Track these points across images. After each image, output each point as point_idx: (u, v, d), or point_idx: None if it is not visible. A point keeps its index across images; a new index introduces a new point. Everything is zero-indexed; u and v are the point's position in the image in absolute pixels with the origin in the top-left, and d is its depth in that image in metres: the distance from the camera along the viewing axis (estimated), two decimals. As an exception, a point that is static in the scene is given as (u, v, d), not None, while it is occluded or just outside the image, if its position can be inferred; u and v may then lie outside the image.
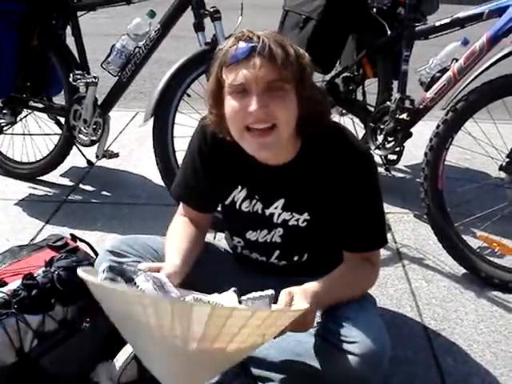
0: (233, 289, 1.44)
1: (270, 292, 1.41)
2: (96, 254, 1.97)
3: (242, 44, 1.42)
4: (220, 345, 1.22)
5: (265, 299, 1.39)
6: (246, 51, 1.40)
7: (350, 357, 1.44)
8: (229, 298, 1.42)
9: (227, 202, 1.71)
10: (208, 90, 1.53)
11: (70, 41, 3.04)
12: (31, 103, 3.19)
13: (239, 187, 1.67)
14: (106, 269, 1.42)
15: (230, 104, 1.46)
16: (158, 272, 1.48)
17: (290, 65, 1.41)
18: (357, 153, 1.57)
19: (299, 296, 1.44)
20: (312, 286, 1.49)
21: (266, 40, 1.40)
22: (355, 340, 1.44)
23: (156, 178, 2.98)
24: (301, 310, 1.35)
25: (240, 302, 1.41)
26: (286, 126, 1.46)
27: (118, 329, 1.34)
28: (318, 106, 1.52)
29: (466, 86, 2.35)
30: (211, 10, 2.61)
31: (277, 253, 1.70)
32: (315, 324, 1.53)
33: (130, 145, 3.67)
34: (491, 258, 2.40)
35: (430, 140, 2.35)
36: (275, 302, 1.42)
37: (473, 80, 2.33)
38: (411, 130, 2.78)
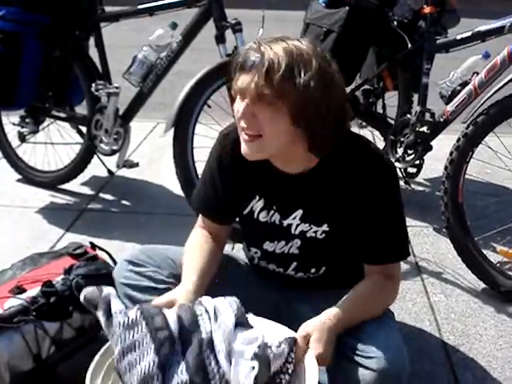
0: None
1: (291, 336, 1.40)
2: (115, 262, 1.99)
3: (249, 56, 1.44)
4: None
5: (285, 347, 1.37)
6: (249, 63, 1.43)
7: (367, 372, 1.42)
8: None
9: (245, 212, 1.71)
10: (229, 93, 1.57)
11: (93, 51, 3.07)
12: (53, 112, 3.22)
13: (257, 197, 1.67)
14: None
15: (234, 106, 1.51)
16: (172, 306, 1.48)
17: (282, 83, 1.39)
18: (380, 164, 1.56)
19: (316, 338, 1.42)
20: (329, 319, 1.47)
21: (265, 56, 1.40)
22: (373, 355, 1.42)
23: (175, 188, 2.99)
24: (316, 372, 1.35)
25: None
26: (271, 140, 1.46)
27: None
28: (322, 129, 1.47)
29: (486, 99, 2.34)
30: (232, 21, 2.63)
31: (294, 264, 1.70)
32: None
33: (150, 155, 3.69)
34: (511, 273, 2.37)
35: (451, 153, 2.34)
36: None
37: (494, 94, 2.32)
38: (431, 143, 2.77)
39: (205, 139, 2.43)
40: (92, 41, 3.06)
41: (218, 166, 1.70)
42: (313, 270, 1.69)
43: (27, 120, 3.22)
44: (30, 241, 2.72)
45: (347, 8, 2.68)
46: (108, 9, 3.04)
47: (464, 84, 2.66)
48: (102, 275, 1.86)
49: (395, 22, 2.88)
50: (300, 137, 1.48)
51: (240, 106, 1.46)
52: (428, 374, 1.93)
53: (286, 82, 1.40)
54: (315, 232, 1.62)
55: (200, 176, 1.85)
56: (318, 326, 1.45)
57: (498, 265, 2.40)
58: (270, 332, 1.40)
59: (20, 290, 1.82)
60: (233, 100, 1.53)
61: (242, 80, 1.43)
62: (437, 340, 2.12)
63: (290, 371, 1.35)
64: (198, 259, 1.66)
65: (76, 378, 1.72)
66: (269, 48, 1.42)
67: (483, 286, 2.38)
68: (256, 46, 1.44)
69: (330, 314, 1.48)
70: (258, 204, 1.67)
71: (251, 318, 1.46)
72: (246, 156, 1.53)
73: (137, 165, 3.12)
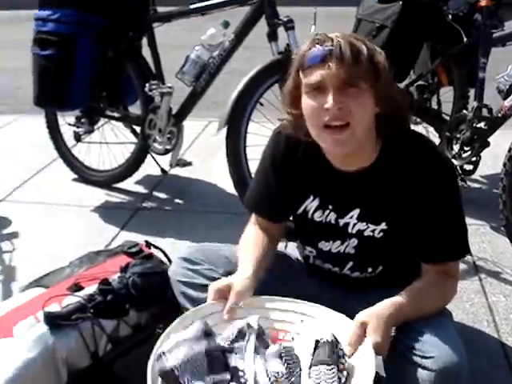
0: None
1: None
2: (169, 260, 2.00)
3: (317, 47, 1.44)
4: None
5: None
6: (321, 54, 1.42)
7: (425, 372, 1.39)
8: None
9: (299, 212, 1.70)
10: (286, 91, 1.56)
11: (146, 51, 3.10)
12: (108, 113, 3.27)
13: (311, 196, 1.66)
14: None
15: (308, 103, 1.48)
16: (229, 291, 1.50)
17: (365, 64, 1.42)
18: (439, 160, 1.55)
19: (373, 327, 1.40)
20: (387, 308, 1.45)
21: (340, 42, 1.42)
22: (432, 355, 1.39)
23: (228, 186, 3.00)
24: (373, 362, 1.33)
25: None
26: (360, 124, 1.46)
27: None
28: (397, 104, 1.52)
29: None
30: (285, 19, 2.63)
31: (350, 264, 1.68)
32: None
33: (203, 154, 3.71)
34: None
35: (509, 150, 2.28)
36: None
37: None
38: (488, 139, 2.71)
39: (257, 137, 2.43)
40: (145, 41, 3.09)
41: (272, 165, 1.70)
42: (369, 270, 1.67)
43: (82, 120, 3.28)
44: (86, 239, 2.77)
45: (401, 3, 2.64)
46: (160, 9, 3.07)
47: (522, 78, 2.59)
48: (158, 273, 1.87)
49: (450, 16, 2.82)
50: (373, 120, 1.51)
51: (323, 98, 1.44)
52: (486, 375, 1.89)
53: (370, 64, 1.43)
54: (373, 231, 1.60)
55: (253, 175, 1.85)
56: (374, 315, 1.42)
57: (559, 264, 2.34)
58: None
59: (78, 287, 1.84)
60: (293, 99, 1.53)
61: (321, 72, 1.42)
62: (495, 341, 2.06)
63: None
64: (252, 251, 1.66)
65: (132, 376, 1.75)
66: (336, 38, 1.43)
67: (544, 285, 2.32)
68: (323, 37, 1.45)
69: (387, 304, 1.46)
70: (312, 203, 1.66)
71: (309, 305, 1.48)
72: (335, 151, 1.53)
73: (190, 164, 3.14)
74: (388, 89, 1.48)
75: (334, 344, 1.36)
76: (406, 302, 1.48)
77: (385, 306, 1.45)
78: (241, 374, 1.35)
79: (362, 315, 1.43)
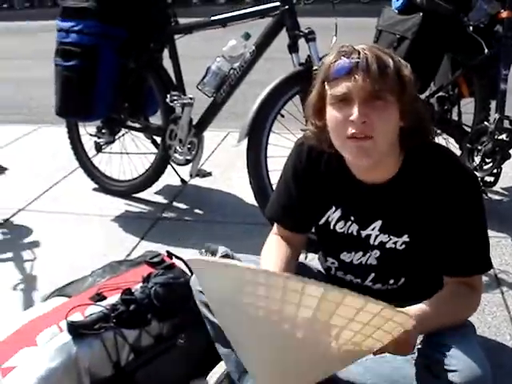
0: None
1: None
2: (191, 271, 2.00)
3: (343, 59, 1.44)
4: (324, 337, 1.20)
5: None
6: (347, 67, 1.43)
7: (449, 386, 1.40)
8: None
9: (321, 223, 1.70)
10: (310, 102, 1.56)
11: (167, 63, 3.12)
12: (129, 123, 3.30)
13: (333, 208, 1.66)
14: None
15: (333, 114, 1.48)
16: None
17: (391, 76, 1.42)
18: (463, 173, 1.54)
19: None
20: (414, 308, 1.45)
21: (367, 54, 1.42)
22: (456, 368, 1.39)
23: (248, 197, 3.01)
24: (408, 317, 1.27)
25: None
26: (383, 137, 1.46)
27: (218, 318, 1.34)
28: (420, 117, 1.51)
29: None
30: (306, 30, 2.63)
31: (372, 275, 1.67)
32: (415, 350, 1.49)
33: (222, 164, 3.72)
34: None
35: (531, 161, 2.27)
36: None
37: None
38: (510, 151, 2.69)
39: (277, 148, 2.44)
40: (166, 52, 3.12)
41: (293, 176, 1.70)
42: (391, 281, 1.67)
43: (103, 130, 3.31)
44: (106, 248, 2.78)
45: (421, 14, 2.65)
46: (182, 20, 3.09)
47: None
48: (180, 283, 1.88)
49: (471, 27, 2.82)
50: (396, 135, 1.50)
51: (348, 110, 1.44)
52: (509, 389, 1.87)
53: (396, 77, 1.43)
54: (395, 243, 1.60)
55: (274, 185, 1.86)
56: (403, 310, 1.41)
57: None
58: None
59: (100, 297, 1.85)
60: (317, 110, 1.53)
61: (347, 85, 1.43)
62: (518, 355, 2.05)
63: None
64: (275, 261, 1.67)
65: (154, 386, 1.76)
66: (363, 50, 1.44)
67: None
68: (349, 49, 1.45)
69: (413, 306, 1.46)
70: (334, 215, 1.66)
71: None
72: (360, 161, 1.51)
73: (210, 174, 3.15)
74: (413, 102, 1.48)
75: None
76: (430, 310, 1.48)
77: (412, 307, 1.45)
78: None
79: None
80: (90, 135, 3.35)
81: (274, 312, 1.20)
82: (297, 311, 1.18)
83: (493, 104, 2.85)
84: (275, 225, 1.81)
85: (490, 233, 2.70)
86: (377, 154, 1.48)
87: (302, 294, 1.15)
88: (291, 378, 1.32)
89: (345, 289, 1.18)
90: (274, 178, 1.82)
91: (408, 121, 1.49)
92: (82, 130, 3.42)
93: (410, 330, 1.35)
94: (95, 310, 1.78)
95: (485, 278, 2.43)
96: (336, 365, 1.37)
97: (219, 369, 1.80)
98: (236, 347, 1.44)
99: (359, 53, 1.43)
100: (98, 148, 3.36)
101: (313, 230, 1.78)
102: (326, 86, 1.49)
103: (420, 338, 1.53)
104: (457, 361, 1.40)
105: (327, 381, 1.57)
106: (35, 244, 2.89)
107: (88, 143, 3.42)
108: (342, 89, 1.43)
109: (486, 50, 2.75)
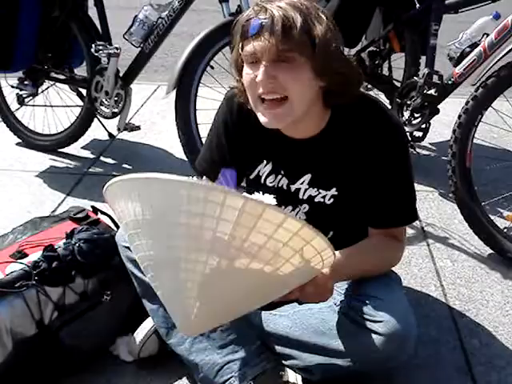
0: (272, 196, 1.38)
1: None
2: (117, 226, 1.96)
3: (254, 19, 1.41)
4: (244, 259, 1.16)
5: None
6: (256, 27, 1.39)
7: (374, 336, 1.42)
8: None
9: (252, 177, 1.68)
10: (232, 59, 1.53)
11: (92, 13, 3.00)
12: (53, 74, 3.16)
13: (264, 161, 1.65)
14: None
15: (246, 73, 1.46)
16: None
17: (297, 37, 1.37)
18: (390, 125, 1.54)
19: None
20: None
21: (273, 14, 1.37)
22: (380, 319, 1.42)
23: (177, 151, 2.96)
24: (327, 246, 1.25)
25: None
26: (298, 98, 1.43)
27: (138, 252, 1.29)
28: (343, 76, 1.47)
29: (497, 61, 2.28)
30: (236, -21, 2.56)
31: (301, 229, 1.67)
32: (338, 302, 1.51)
33: (152, 118, 3.64)
34: (518, 239, 2.35)
35: (459, 117, 2.29)
36: None
37: (504, 55, 2.27)
38: (438, 106, 2.72)
39: (208, 101, 2.39)
40: (91, 0, 2.98)
41: (224, 131, 1.68)
42: (320, 235, 1.67)
43: (26, 82, 3.16)
44: (30, 205, 2.69)
45: (353, -33, 2.61)
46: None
47: (473, 45, 2.58)
48: (105, 239, 1.83)
49: (402, -19, 2.81)
50: (318, 92, 1.47)
51: (257, 70, 1.41)
52: (434, 339, 1.92)
53: (304, 36, 1.38)
54: (323, 197, 1.60)
55: (204, 139, 1.82)
56: None
57: (504, 230, 2.37)
58: None
59: (21, 254, 1.79)
60: (239, 67, 1.50)
61: (255, 44, 1.39)
62: (443, 306, 2.09)
63: None
64: None
65: (79, 344, 1.72)
66: (275, 6, 1.38)
67: (490, 251, 2.35)
68: (260, 8, 1.40)
69: None
70: (265, 168, 1.65)
71: None
72: (270, 125, 1.48)
73: (138, 128, 3.07)
74: (331, 61, 1.43)
75: None
76: (351, 255, 1.51)
77: None
78: None
79: None
80: (12, 87, 3.20)
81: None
82: (216, 227, 1.13)
83: (423, 59, 2.85)
84: (204, 178, 1.77)
85: (418, 187, 2.77)
86: (290, 118, 1.46)
87: (223, 206, 1.11)
88: (216, 313, 1.29)
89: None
90: (204, 131, 1.77)
91: (328, 79, 1.45)
92: (2, 82, 3.27)
93: (329, 273, 1.38)
94: (16, 267, 1.72)
95: (411, 231, 2.48)
96: (258, 295, 1.31)
97: (146, 324, 1.77)
98: (156, 288, 1.36)
99: (272, 13, 1.38)
100: (21, 101, 3.21)
101: (243, 184, 1.76)
102: (241, 44, 1.45)
103: (346, 288, 1.55)
104: (382, 311, 1.43)
105: (258, 336, 1.58)
106: (-46, 200, 2.77)
107: (10, 96, 3.28)
108: (250, 49, 1.41)
109: (418, 5, 2.75)
